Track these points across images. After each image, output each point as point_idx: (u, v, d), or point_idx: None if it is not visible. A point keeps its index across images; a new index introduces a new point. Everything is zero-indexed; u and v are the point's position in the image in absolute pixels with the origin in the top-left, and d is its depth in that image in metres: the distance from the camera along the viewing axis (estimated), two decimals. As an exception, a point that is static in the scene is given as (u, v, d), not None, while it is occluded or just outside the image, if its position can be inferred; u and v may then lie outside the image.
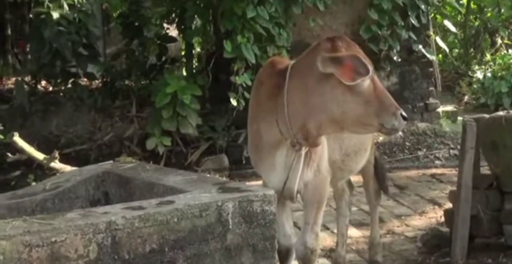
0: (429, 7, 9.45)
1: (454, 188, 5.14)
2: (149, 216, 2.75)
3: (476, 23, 13.86)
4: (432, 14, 10.47)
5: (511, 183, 4.85)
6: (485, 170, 5.30)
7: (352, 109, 3.32)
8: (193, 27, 9.07)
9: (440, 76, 10.57)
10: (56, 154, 7.33)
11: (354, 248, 5.43)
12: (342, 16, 9.03)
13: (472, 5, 13.58)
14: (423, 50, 9.35)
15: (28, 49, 11.65)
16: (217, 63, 8.41)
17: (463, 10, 13.02)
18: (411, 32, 9.03)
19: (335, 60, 3.27)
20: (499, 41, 13.21)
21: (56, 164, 7.31)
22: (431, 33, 9.68)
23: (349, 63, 3.24)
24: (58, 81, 9.18)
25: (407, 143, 8.78)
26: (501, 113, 5.11)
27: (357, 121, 3.36)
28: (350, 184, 4.95)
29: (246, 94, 7.46)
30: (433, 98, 9.68)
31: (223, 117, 8.43)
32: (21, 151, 7.41)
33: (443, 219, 5.54)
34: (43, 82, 9.89)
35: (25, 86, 9.45)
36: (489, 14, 13.56)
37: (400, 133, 3.40)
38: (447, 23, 10.64)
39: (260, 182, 3.94)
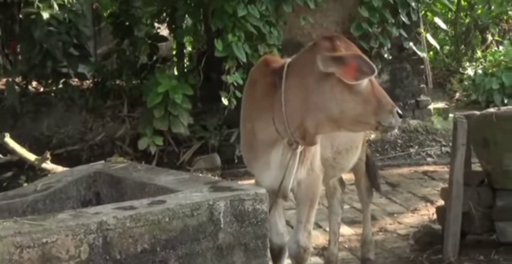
0: (419, 5, 9.46)
1: (446, 185, 5.16)
2: (141, 216, 2.75)
3: (467, 20, 13.87)
4: (423, 12, 10.49)
5: (502, 179, 4.87)
6: (476, 167, 5.31)
7: (350, 108, 3.33)
8: (184, 26, 9.05)
9: (431, 73, 10.58)
10: (48, 155, 7.31)
11: (346, 246, 5.43)
12: (333, 14, 9.03)
13: (462, 2, 13.60)
14: (414, 48, 9.36)
15: (18, 50, 11.59)
16: (208, 62, 8.40)
17: (453, 7, 13.04)
18: (402, 30, 9.04)
19: (337, 60, 3.28)
20: (489, 38, 13.23)
21: (48, 165, 7.30)
22: (422, 30, 9.69)
23: (352, 62, 3.25)
24: (49, 81, 9.15)
25: (399, 141, 8.79)
26: (491, 109, 5.13)
27: (355, 119, 3.38)
28: (341, 182, 4.95)
29: (238, 93, 7.46)
30: (424, 95, 9.69)
31: (215, 116, 8.43)
32: (12, 152, 7.39)
33: (435, 216, 5.55)
34: (34, 83, 9.85)
35: (16, 87, 9.41)
36: (479, 11, 13.58)
37: (396, 130, 3.41)
38: (438, 21, 10.65)
39: (252, 181, 3.94)
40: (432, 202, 6.47)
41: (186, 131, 8.06)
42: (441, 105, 10.54)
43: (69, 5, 8.63)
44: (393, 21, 8.87)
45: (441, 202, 5.46)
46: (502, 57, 11.29)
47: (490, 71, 11.12)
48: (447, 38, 14.10)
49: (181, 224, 2.84)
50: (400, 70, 9.50)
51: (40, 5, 8.15)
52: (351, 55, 3.32)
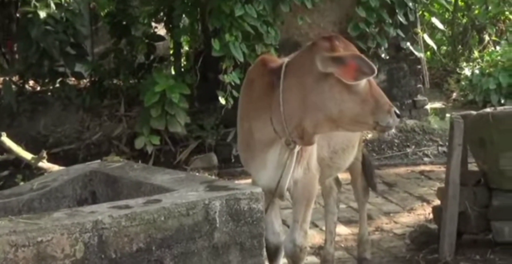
0: (416, 5, 9.47)
1: (443, 185, 5.16)
2: (136, 215, 2.74)
3: (464, 21, 13.90)
4: (420, 12, 10.49)
5: (499, 179, 4.87)
6: (473, 166, 5.32)
7: (349, 108, 3.33)
8: (181, 25, 9.06)
9: (428, 73, 10.59)
10: (44, 154, 7.31)
11: (342, 245, 5.44)
12: (330, 14, 9.04)
13: (459, 3, 13.63)
14: (411, 48, 9.37)
15: (15, 49, 11.59)
16: (205, 62, 8.40)
17: (450, 8, 13.06)
18: (399, 30, 9.05)
19: (336, 60, 3.28)
20: (486, 38, 13.25)
21: (44, 164, 7.29)
22: (419, 30, 9.71)
23: (351, 62, 3.25)
24: (46, 80, 9.14)
25: (396, 140, 8.80)
26: (488, 109, 5.14)
27: (354, 119, 3.38)
28: (338, 181, 4.95)
29: (235, 93, 7.46)
30: (421, 95, 9.70)
31: (212, 116, 8.43)
32: (8, 151, 7.39)
33: (431, 216, 5.55)
34: (31, 82, 9.84)
35: (13, 86, 9.40)
36: (476, 12, 13.61)
37: (393, 130, 3.43)
38: (435, 21, 10.66)
39: (249, 181, 3.94)
40: (428, 202, 6.48)
41: (183, 130, 8.07)
42: (438, 105, 10.55)
43: (66, 4, 8.62)
44: (390, 21, 8.88)
45: (437, 202, 5.47)
46: (499, 57, 11.31)
47: (487, 71, 11.14)
48: (444, 38, 14.13)
49: (177, 223, 2.83)
50: (397, 70, 9.51)
51: (37, 4, 8.14)
52: (350, 55, 3.32)
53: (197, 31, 8.88)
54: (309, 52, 3.43)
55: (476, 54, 12.54)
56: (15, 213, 3.20)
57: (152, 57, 9.41)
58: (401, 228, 5.81)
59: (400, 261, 5.03)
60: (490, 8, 13.15)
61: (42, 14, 8.19)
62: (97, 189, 3.62)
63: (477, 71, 11.38)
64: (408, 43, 9.35)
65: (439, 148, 8.70)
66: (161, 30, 9.92)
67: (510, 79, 10.69)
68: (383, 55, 9.02)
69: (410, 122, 9.20)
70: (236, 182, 5.96)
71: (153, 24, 9.65)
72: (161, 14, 9.48)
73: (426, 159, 8.50)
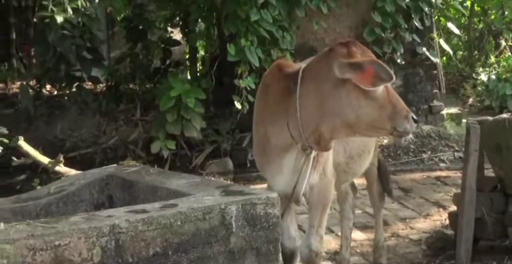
0: (432, 10, 9.44)
1: (459, 190, 5.13)
2: (153, 219, 2.76)
3: (480, 26, 13.84)
4: (436, 17, 10.45)
5: (516, 185, 4.84)
6: (489, 172, 5.29)
7: (366, 114, 3.33)
8: (197, 30, 9.08)
9: (444, 78, 10.54)
10: (61, 158, 7.34)
11: (358, 251, 5.42)
12: (346, 19, 9.03)
13: (476, 8, 13.56)
14: (427, 53, 9.34)
15: (32, 53, 11.68)
16: (221, 67, 8.42)
17: (467, 13, 13.02)
18: (415, 35, 9.02)
19: (354, 66, 3.28)
20: (503, 43, 13.19)
21: (61, 168, 7.32)
22: (435, 35, 9.67)
23: (370, 69, 3.25)
24: (63, 85, 9.20)
25: (412, 146, 8.77)
26: (504, 115, 5.10)
27: (371, 125, 3.38)
28: (353, 186, 4.95)
29: (250, 97, 7.47)
30: (437, 100, 9.67)
31: (227, 121, 8.44)
32: (26, 155, 7.42)
33: (447, 221, 5.52)
34: (48, 86, 9.91)
35: (30, 90, 9.47)
36: (493, 17, 13.54)
37: (411, 136, 3.43)
38: (451, 26, 10.61)
39: (265, 185, 3.95)
40: (444, 208, 6.46)
41: (199, 135, 8.08)
42: (454, 110, 10.52)
43: (83, 9, 8.66)
44: (406, 26, 8.86)
45: (453, 208, 5.44)
46: (515, 63, 11.25)
47: (503, 76, 11.08)
48: (460, 43, 14.06)
49: (193, 228, 2.85)
50: (413, 75, 9.48)
51: (54, 9, 8.19)
52: (368, 61, 3.32)
53: (213, 36, 8.91)
54: (326, 58, 3.43)
55: (492, 59, 12.48)
56: (32, 217, 3.22)
57: (168, 61, 9.45)
58: (417, 234, 5.79)
59: (416, 267, 5.02)
60: (506, 13, 13.06)
61: (59, 19, 8.24)
62: (114, 193, 3.64)
63: (493, 77, 11.33)
64: (424, 48, 9.32)
65: (455, 153, 8.66)
66: (177, 35, 9.97)
67: (526, 85, 10.65)
68: (399, 60, 9.00)
69: (426, 128, 9.16)
70: (252, 187, 5.95)
71: (169, 28, 9.70)
72: (177, 18, 9.53)
73: (442, 164, 8.47)
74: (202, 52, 10.65)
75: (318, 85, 3.40)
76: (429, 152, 8.73)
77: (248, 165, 8.01)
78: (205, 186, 3.30)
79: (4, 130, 7.15)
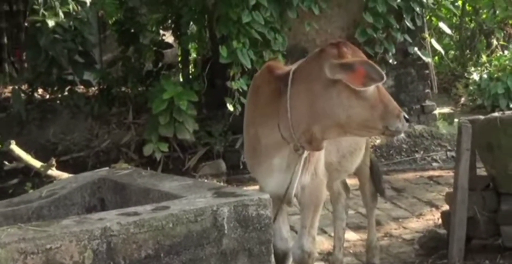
0: (424, 10, 9.46)
1: (451, 190, 5.15)
2: (144, 221, 2.75)
3: (472, 25, 13.88)
4: (427, 17, 10.49)
5: (507, 184, 4.86)
6: (481, 171, 5.31)
7: (358, 114, 3.34)
8: (189, 33, 9.08)
9: (436, 78, 10.58)
10: (53, 162, 7.32)
11: (351, 251, 5.43)
12: (337, 19, 9.05)
13: (467, 7, 13.61)
14: (419, 53, 9.37)
15: (24, 58, 11.65)
16: (213, 69, 8.42)
17: (458, 12, 13.05)
18: (407, 35, 9.05)
19: (345, 66, 3.29)
20: (494, 42, 13.23)
21: (54, 172, 7.31)
22: (427, 35, 9.69)
23: (360, 69, 3.26)
24: (55, 89, 9.17)
25: (404, 146, 8.79)
26: (496, 114, 5.13)
27: (363, 125, 3.39)
28: (346, 187, 4.96)
29: (243, 99, 7.47)
30: (429, 100, 9.69)
31: (220, 123, 8.45)
32: (18, 159, 7.41)
33: (440, 221, 5.54)
34: (40, 90, 9.87)
35: (22, 95, 9.44)
36: (484, 16, 13.59)
37: (402, 135, 3.44)
38: (443, 25, 10.65)
39: (258, 187, 3.95)
40: (437, 207, 6.47)
41: (191, 137, 8.08)
42: (446, 110, 10.55)
43: (74, 13, 8.64)
44: (397, 26, 8.88)
45: (446, 207, 5.46)
46: (507, 62, 11.29)
47: (495, 75, 11.12)
48: (452, 43, 14.11)
49: (185, 230, 2.85)
50: (405, 75, 9.50)
51: (46, 13, 8.17)
52: (359, 61, 3.33)
53: (205, 38, 8.91)
54: (317, 59, 3.44)
55: (484, 58, 12.51)
56: (24, 221, 3.22)
57: (160, 64, 9.44)
58: (410, 234, 5.80)
59: (409, 266, 5.03)
60: (497, 12, 13.12)
61: (51, 23, 8.21)
62: (106, 196, 3.63)
63: (485, 76, 11.36)
64: (416, 48, 9.34)
65: (448, 153, 8.68)
66: (169, 38, 9.96)
67: (518, 84, 10.68)
68: (390, 61, 9.02)
69: (419, 127, 9.18)
70: (245, 188, 5.96)
71: (161, 31, 9.69)
72: (169, 21, 9.52)
73: (434, 164, 8.49)
74: (194, 55, 10.65)
75: (309, 86, 3.41)
76: (422, 152, 8.75)
77: (241, 166, 8.01)
78: (198, 188, 3.29)
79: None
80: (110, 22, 10.58)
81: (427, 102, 9.62)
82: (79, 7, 8.65)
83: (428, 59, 9.59)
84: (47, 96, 9.75)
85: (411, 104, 9.38)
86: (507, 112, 5.34)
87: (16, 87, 9.56)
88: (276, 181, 3.64)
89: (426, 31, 9.79)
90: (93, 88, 9.78)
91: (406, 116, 3.41)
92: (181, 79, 9.65)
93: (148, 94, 8.75)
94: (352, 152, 4.20)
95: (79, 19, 8.79)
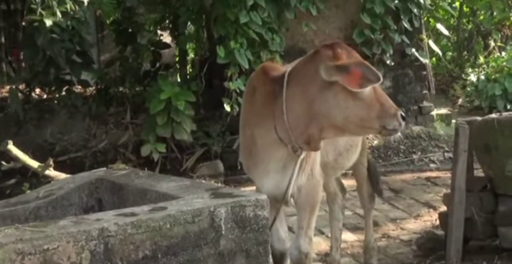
0: (421, 11, 9.46)
1: (449, 191, 5.15)
2: (142, 222, 2.75)
3: (469, 26, 13.90)
4: (425, 18, 10.49)
5: (504, 185, 4.86)
6: (479, 172, 5.31)
7: (355, 114, 3.35)
8: (186, 33, 9.08)
9: (434, 79, 10.58)
10: (51, 162, 7.31)
11: (349, 252, 5.43)
12: (335, 20, 9.05)
13: (464, 8, 13.62)
14: (416, 54, 9.37)
15: (21, 57, 11.64)
16: (210, 69, 8.42)
17: (455, 14, 13.08)
18: (404, 36, 9.05)
19: (341, 68, 3.29)
20: (492, 43, 13.25)
21: (51, 172, 7.30)
22: (424, 36, 9.70)
23: (356, 70, 3.27)
24: (52, 88, 9.18)
25: (402, 147, 8.79)
26: (493, 115, 5.12)
27: (360, 125, 3.40)
28: (342, 188, 4.96)
29: (240, 100, 7.45)
30: (427, 101, 9.70)
31: (218, 123, 8.44)
32: (15, 159, 7.40)
33: (438, 222, 5.55)
34: (37, 90, 9.87)
35: (19, 94, 9.43)
36: (481, 17, 13.60)
37: (399, 134, 3.45)
38: (440, 27, 10.65)
39: (255, 188, 3.95)
40: (435, 208, 6.47)
41: (189, 137, 8.07)
42: (444, 111, 10.54)
43: (72, 13, 8.63)
44: (395, 27, 8.88)
45: (444, 208, 5.46)
46: (504, 63, 11.29)
47: (492, 77, 11.13)
48: (449, 44, 14.12)
49: (182, 231, 2.84)
50: (403, 76, 9.50)
51: (43, 12, 8.16)
52: (354, 63, 3.33)
53: (203, 38, 8.90)
54: (312, 61, 3.44)
55: (481, 59, 12.53)
56: (21, 221, 3.21)
57: (157, 64, 9.44)
58: (408, 235, 5.80)
59: (407, 267, 5.03)
60: (495, 13, 13.13)
61: (48, 22, 8.20)
62: (103, 196, 3.63)
63: (482, 77, 11.37)
64: (413, 49, 9.35)
65: (445, 154, 8.68)
66: (166, 38, 9.95)
67: (516, 85, 10.69)
68: (388, 62, 9.02)
69: (416, 129, 9.19)
70: (243, 189, 5.96)
71: (159, 31, 9.68)
72: (167, 21, 9.51)
73: (432, 165, 8.49)
74: (191, 55, 10.65)
75: (305, 88, 3.42)
76: (419, 153, 8.75)
77: (239, 167, 7.99)
78: (195, 189, 3.30)
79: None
80: (107, 22, 10.57)
81: (425, 103, 9.63)
82: (77, 7, 8.64)
83: (425, 60, 9.60)
84: (45, 96, 9.74)
85: (408, 105, 9.38)
86: (504, 113, 5.35)
87: (14, 86, 9.55)
88: (272, 182, 3.64)
89: (424, 32, 9.79)
90: (90, 88, 9.78)
91: (403, 114, 3.42)
92: (178, 79, 9.65)
93: (145, 94, 8.75)
94: (348, 149, 4.22)
95: (76, 18, 8.79)
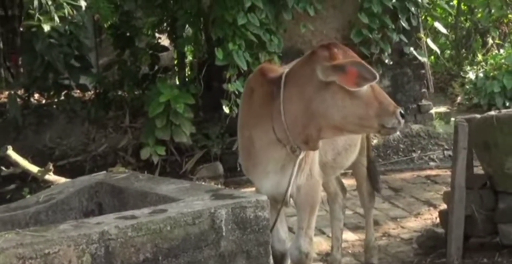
0: (419, 10, 9.47)
1: (449, 189, 5.15)
2: (142, 225, 2.76)
3: (467, 24, 13.90)
4: (423, 16, 10.50)
5: (504, 182, 4.86)
6: (478, 170, 5.31)
7: (353, 113, 3.36)
8: (184, 35, 9.08)
9: (433, 77, 10.59)
10: (51, 167, 7.31)
11: (350, 251, 5.44)
12: (333, 21, 9.05)
13: (462, 7, 13.63)
14: (415, 53, 9.37)
15: (20, 63, 11.64)
16: (209, 71, 8.43)
17: (453, 12, 13.09)
18: (402, 35, 9.05)
19: (337, 68, 3.30)
20: (490, 41, 13.25)
21: (51, 177, 7.29)
22: (422, 35, 9.71)
23: (352, 70, 3.28)
24: (51, 93, 9.18)
25: (401, 145, 8.80)
26: (492, 112, 5.12)
27: (358, 124, 3.41)
28: (343, 187, 4.96)
29: (239, 101, 7.46)
30: (425, 99, 9.70)
31: (217, 125, 8.45)
32: (15, 164, 7.39)
33: (438, 220, 5.55)
34: (36, 95, 9.88)
35: (18, 100, 9.43)
36: (479, 15, 13.61)
37: (398, 133, 3.44)
38: (438, 25, 10.65)
39: (255, 189, 3.96)
40: (435, 206, 6.48)
41: (188, 140, 8.08)
42: (442, 109, 10.55)
43: (69, 17, 8.61)
44: (393, 26, 8.88)
45: (444, 206, 5.47)
46: (503, 60, 11.30)
47: (491, 74, 11.13)
48: (447, 42, 14.13)
49: (183, 233, 2.85)
50: (401, 75, 9.51)
51: (41, 17, 8.15)
52: (350, 62, 3.34)
53: (201, 40, 8.91)
54: (308, 62, 3.45)
55: (480, 57, 12.53)
56: (22, 226, 3.22)
57: (156, 67, 9.44)
58: (408, 233, 5.81)
59: (408, 266, 5.04)
60: (493, 11, 13.14)
61: (46, 27, 8.20)
62: (103, 200, 3.64)
63: (481, 75, 11.38)
64: (412, 48, 9.35)
65: (445, 152, 8.69)
66: (164, 41, 9.96)
67: (514, 82, 10.69)
68: (386, 61, 9.02)
69: (415, 127, 9.20)
70: (242, 190, 5.96)
71: (157, 34, 9.69)
72: (165, 24, 9.52)
73: (432, 163, 8.50)
74: (190, 57, 10.65)
75: (302, 89, 3.43)
76: (419, 151, 8.75)
77: (239, 169, 7.99)
78: (195, 191, 3.30)
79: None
80: (105, 26, 10.57)
81: (424, 102, 9.63)
82: (75, 11, 8.62)
83: (424, 59, 9.61)
84: (44, 101, 9.75)
85: (407, 104, 9.38)
86: (503, 111, 5.35)
87: (12, 92, 9.54)
88: (271, 183, 3.65)
89: (422, 31, 9.80)
90: (89, 92, 9.78)
91: (402, 111, 3.42)
92: (177, 82, 9.65)
93: (144, 97, 8.75)
94: (347, 148, 4.22)
95: (74, 23, 8.80)
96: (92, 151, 8.64)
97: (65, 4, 7.53)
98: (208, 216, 2.92)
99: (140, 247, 2.74)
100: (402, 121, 3.41)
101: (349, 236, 5.69)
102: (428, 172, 8.09)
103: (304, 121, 3.44)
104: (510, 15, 13.35)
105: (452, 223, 4.81)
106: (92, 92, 9.66)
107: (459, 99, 11.79)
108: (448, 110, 10.50)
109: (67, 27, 8.68)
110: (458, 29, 13.70)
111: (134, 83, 9.30)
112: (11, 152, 7.25)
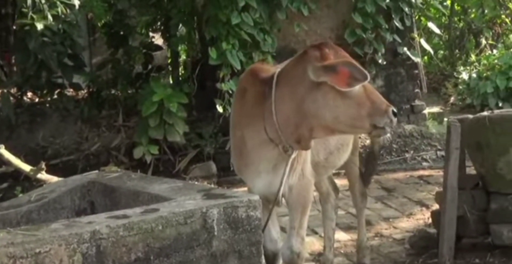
0: (413, 10, 9.49)
1: (441, 189, 5.16)
2: (134, 224, 2.76)
3: (460, 25, 13.93)
4: (416, 17, 10.52)
5: (496, 183, 4.88)
6: (471, 170, 5.32)
7: (344, 113, 3.36)
8: (178, 35, 9.07)
9: (426, 78, 10.61)
10: (43, 165, 7.30)
11: (342, 251, 5.44)
12: (327, 20, 9.06)
13: (456, 7, 13.66)
14: (408, 53, 9.39)
15: (13, 61, 11.60)
16: (202, 70, 8.42)
17: (447, 12, 13.12)
18: (396, 35, 9.06)
19: (328, 68, 3.30)
20: (483, 41, 13.29)
21: (43, 175, 7.28)
22: (416, 35, 9.72)
23: (343, 70, 3.28)
24: (44, 92, 9.15)
25: (394, 146, 8.81)
26: (485, 113, 5.13)
27: (350, 124, 3.41)
28: (335, 187, 4.97)
29: (232, 101, 7.47)
30: (419, 100, 9.71)
31: (210, 124, 8.44)
32: (7, 163, 7.38)
33: (430, 220, 5.56)
34: (29, 94, 9.84)
35: (11, 98, 9.41)
36: (473, 15, 13.64)
37: (389, 135, 3.43)
38: (431, 25, 10.67)
39: (247, 188, 3.96)
40: (427, 207, 6.49)
41: (182, 139, 8.07)
42: (436, 109, 10.57)
43: (63, 16, 8.59)
44: (386, 26, 8.89)
45: (436, 206, 5.48)
46: (496, 61, 11.33)
47: (484, 74, 11.16)
48: (441, 42, 14.16)
49: (175, 232, 2.85)
50: (395, 75, 9.52)
51: (34, 16, 8.13)
52: (342, 62, 3.34)
53: (194, 40, 8.89)
54: (300, 62, 3.45)
55: (473, 58, 12.56)
56: (13, 225, 3.21)
57: (149, 66, 9.43)
58: (401, 233, 5.81)
59: (400, 266, 5.04)
60: (486, 11, 13.18)
61: (39, 26, 8.17)
62: (96, 199, 3.64)
63: (474, 75, 11.40)
64: (405, 48, 9.37)
65: (438, 152, 8.70)
66: (158, 40, 9.95)
67: (507, 82, 10.71)
68: (380, 61, 9.03)
69: (408, 127, 9.21)
70: (235, 190, 5.96)
71: (150, 33, 9.68)
72: (158, 23, 9.51)
73: (424, 163, 8.51)
74: (183, 56, 10.63)
75: (294, 89, 3.43)
76: (412, 152, 8.77)
77: (232, 168, 7.96)
78: (187, 190, 3.30)
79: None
80: (99, 24, 10.55)
81: (417, 102, 9.64)
82: (68, 10, 8.59)
83: (417, 59, 9.62)
84: (37, 100, 9.72)
85: (400, 104, 9.39)
86: (496, 111, 5.37)
87: (5, 90, 9.51)
88: (263, 182, 3.65)
89: (415, 31, 9.81)
90: (82, 91, 9.76)
91: (395, 110, 3.42)
92: (171, 81, 9.64)
93: (138, 96, 8.74)
94: (339, 148, 4.23)
95: (68, 22, 8.78)
96: (85, 150, 8.62)
97: (58, 2, 7.51)
98: (200, 215, 2.92)
99: (132, 246, 2.74)
100: (395, 119, 3.41)
101: (341, 236, 5.70)
102: (421, 172, 8.10)
103: (296, 121, 3.44)
104: (503, 16, 13.39)
105: (444, 223, 4.82)
106: (85, 91, 9.64)
107: (452, 99, 11.82)
108: (441, 111, 10.53)
109: (60, 25, 8.65)
110: (452, 29, 13.73)
111: (127, 82, 9.28)
112: (3, 151, 7.25)
